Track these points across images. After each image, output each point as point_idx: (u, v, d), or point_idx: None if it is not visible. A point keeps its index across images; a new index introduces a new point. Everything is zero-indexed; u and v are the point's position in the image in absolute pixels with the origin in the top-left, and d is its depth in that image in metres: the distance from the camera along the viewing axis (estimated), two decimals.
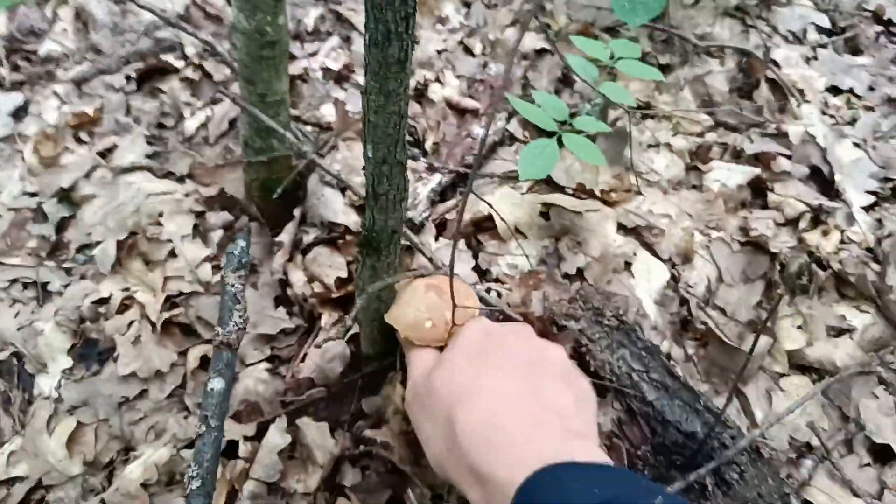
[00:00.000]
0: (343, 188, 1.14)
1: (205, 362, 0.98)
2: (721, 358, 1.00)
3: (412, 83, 1.13)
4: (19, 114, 1.27)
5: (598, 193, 1.16)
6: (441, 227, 1.12)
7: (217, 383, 0.59)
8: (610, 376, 0.92)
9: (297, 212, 1.12)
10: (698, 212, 1.17)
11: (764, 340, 0.99)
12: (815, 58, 1.45)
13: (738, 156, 1.27)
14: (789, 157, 1.25)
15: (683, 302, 1.06)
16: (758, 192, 1.22)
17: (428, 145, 1.24)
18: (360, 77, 1.38)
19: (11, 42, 1.39)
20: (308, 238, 1.09)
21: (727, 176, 1.21)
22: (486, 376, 0.62)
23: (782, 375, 0.99)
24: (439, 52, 1.43)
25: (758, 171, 1.22)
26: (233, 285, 0.67)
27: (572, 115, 1.04)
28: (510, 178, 1.20)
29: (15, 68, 1.36)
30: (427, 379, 0.66)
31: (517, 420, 0.56)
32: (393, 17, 0.52)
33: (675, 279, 1.09)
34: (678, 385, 0.92)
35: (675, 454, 0.86)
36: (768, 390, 0.97)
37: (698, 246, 1.12)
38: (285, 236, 1.09)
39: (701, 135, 1.30)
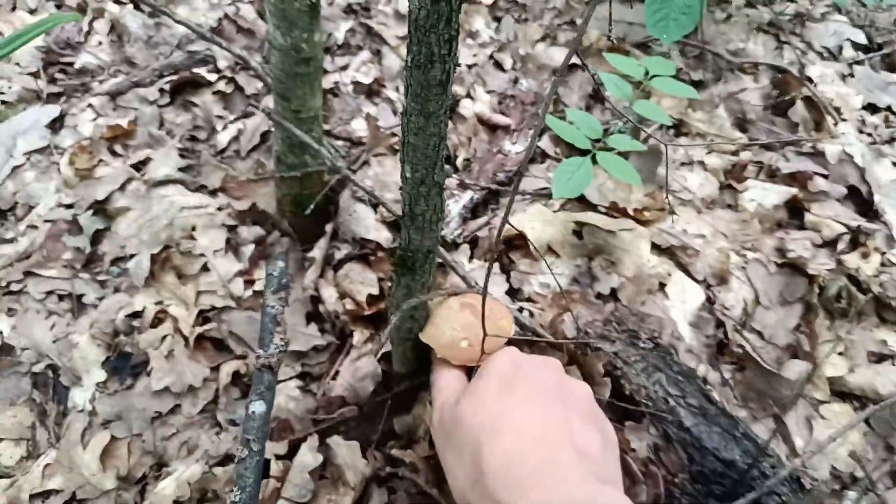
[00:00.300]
0: (375, 204, 1.14)
1: (237, 378, 0.98)
2: (759, 383, 0.98)
3: None
4: (55, 126, 1.29)
5: (631, 212, 1.15)
6: (473, 245, 1.12)
7: (258, 406, 0.59)
8: (646, 401, 0.90)
9: (328, 227, 1.12)
10: (733, 232, 1.15)
11: (804, 366, 0.97)
12: (852, 75, 1.43)
13: (773, 175, 1.25)
14: (826, 177, 1.23)
15: (719, 324, 1.04)
16: (794, 212, 1.20)
17: (459, 162, 1.23)
18: (391, 92, 1.38)
19: (48, 54, 1.41)
20: (339, 254, 1.09)
21: (763, 195, 1.20)
22: (514, 411, 0.61)
23: (822, 402, 0.96)
24: (469, 67, 1.43)
25: (794, 190, 1.20)
26: (273, 307, 0.66)
27: (605, 133, 1.03)
28: (542, 195, 1.19)
29: (52, 80, 1.38)
30: (454, 408, 0.65)
31: (545, 460, 0.55)
32: (437, 40, 0.51)
33: (710, 301, 1.07)
34: (716, 411, 0.91)
35: (714, 483, 0.84)
36: (808, 418, 0.95)
37: (734, 267, 1.10)
38: (317, 252, 1.09)
39: (735, 153, 1.28)
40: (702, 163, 1.25)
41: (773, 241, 1.15)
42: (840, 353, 1.00)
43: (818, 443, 0.90)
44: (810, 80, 1.38)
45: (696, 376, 0.94)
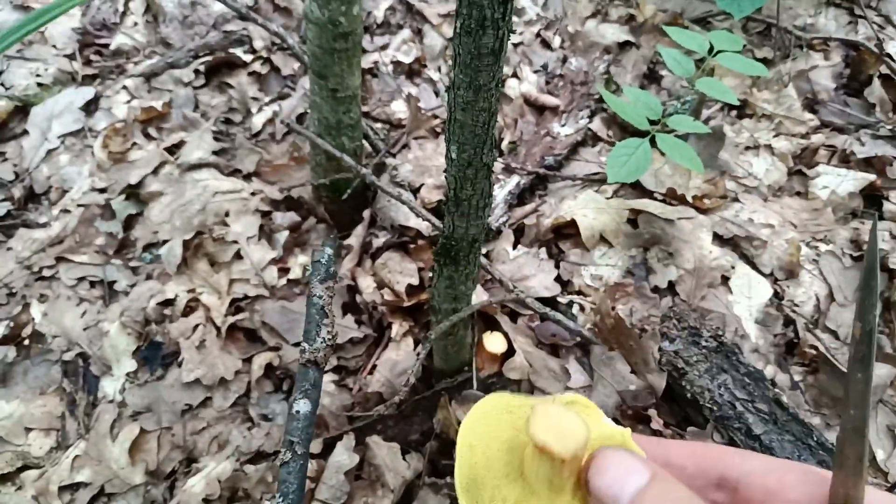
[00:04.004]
0: (415, 190, 1.08)
1: (269, 371, 0.93)
2: (833, 387, 0.89)
3: None
4: (90, 108, 1.26)
5: (690, 199, 1.07)
6: (519, 233, 1.05)
7: (303, 405, 0.53)
8: (710, 405, 0.82)
9: (366, 214, 1.06)
10: (803, 221, 1.06)
11: (885, 370, 0.88)
12: None
13: (846, 160, 1.15)
14: None
15: (788, 322, 0.96)
16: (871, 200, 1.09)
17: (505, 145, 1.16)
18: (432, 72, 1.32)
19: (85, 35, 1.38)
20: (377, 242, 1.03)
21: (836, 182, 1.09)
22: None
23: None
24: (515, 46, 1.35)
25: (871, 176, 1.09)
26: (320, 297, 0.60)
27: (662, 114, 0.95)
28: (593, 180, 1.11)
29: (87, 62, 1.35)
30: None
31: None
32: (490, 2, 0.45)
33: (778, 296, 0.98)
34: (787, 417, 0.82)
35: None
36: (890, 427, 0.86)
37: (805, 260, 1.01)
38: (354, 240, 1.03)
39: (805, 136, 1.18)
40: (769, 146, 1.15)
41: (848, 231, 1.05)
42: None
43: None
44: (889, 56, 1.26)
45: (764, 378, 0.85)
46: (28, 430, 0.90)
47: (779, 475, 0.33)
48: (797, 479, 0.32)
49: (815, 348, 0.92)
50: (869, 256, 0.30)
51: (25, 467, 0.87)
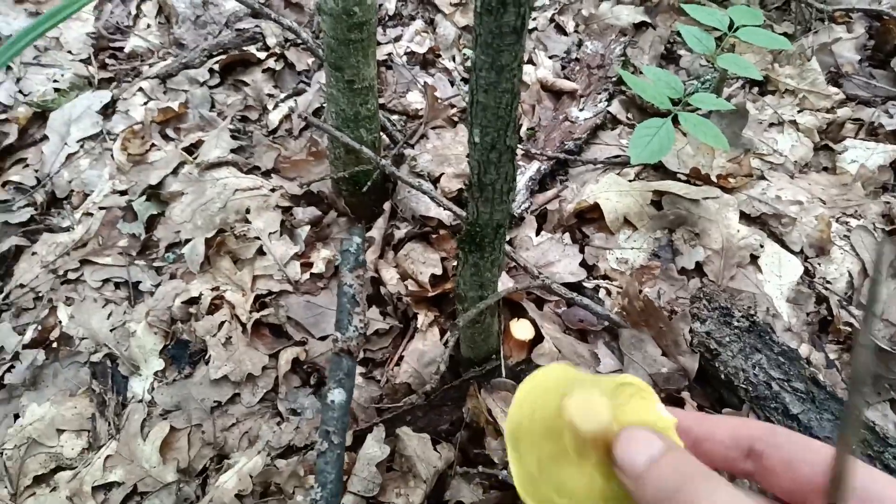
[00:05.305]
0: (435, 180, 1.07)
1: (296, 366, 0.93)
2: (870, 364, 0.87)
3: None
4: (107, 111, 1.27)
5: (714, 179, 1.05)
6: (541, 219, 1.04)
7: (338, 395, 0.53)
8: (745, 385, 0.81)
9: (386, 206, 1.06)
10: (832, 197, 1.03)
11: None
12: None
13: (874, 133, 1.12)
14: None
15: (821, 300, 0.94)
16: None
17: (523, 131, 1.15)
18: (447, 61, 1.31)
19: (99, 40, 1.38)
20: (399, 233, 1.02)
21: (865, 156, 1.07)
22: None
23: None
24: (530, 32, 1.34)
25: None
26: (351, 285, 0.60)
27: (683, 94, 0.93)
28: (615, 163, 1.09)
29: (103, 66, 1.35)
30: None
31: None
32: None
33: (809, 274, 0.96)
34: (825, 396, 0.81)
35: None
36: None
37: (836, 236, 0.99)
38: (375, 232, 1.03)
39: (831, 110, 1.15)
40: (793, 122, 1.13)
41: (879, 205, 1.02)
42: None
43: None
44: None
45: (799, 357, 0.84)
46: (60, 431, 0.91)
47: (798, 449, 0.35)
48: (815, 458, 0.34)
49: (850, 325, 0.90)
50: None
51: (59, 468, 0.88)
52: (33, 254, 1.08)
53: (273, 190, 1.11)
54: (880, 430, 0.77)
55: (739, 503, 0.32)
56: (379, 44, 1.31)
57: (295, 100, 1.27)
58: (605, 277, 0.97)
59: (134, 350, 0.96)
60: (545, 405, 0.38)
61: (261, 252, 1.03)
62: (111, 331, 0.99)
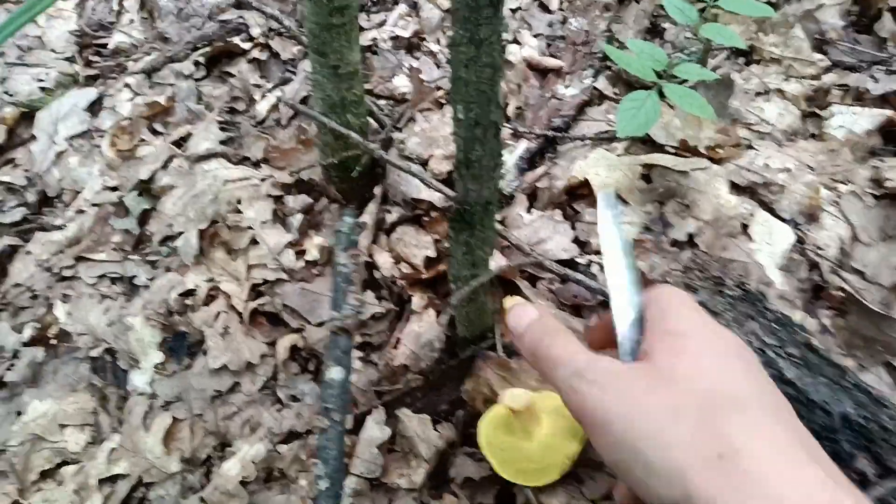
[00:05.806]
0: (424, 162, 1.07)
1: (295, 353, 0.94)
2: (865, 327, 0.88)
3: None
4: (94, 108, 1.26)
5: (703, 150, 1.05)
6: (532, 198, 1.04)
7: (336, 373, 0.54)
8: None
9: (377, 190, 1.06)
10: (821, 163, 1.04)
11: None
12: None
13: (860, 98, 1.13)
14: None
15: (813, 266, 0.94)
16: (890, 136, 1.07)
17: (510, 110, 1.15)
18: (432, 44, 1.30)
19: (83, 37, 1.38)
20: (391, 217, 1.03)
21: (852, 121, 1.07)
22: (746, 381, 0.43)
23: None
24: (514, 12, 1.34)
25: (888, 112, 1.07)
26: (345, 265, 0.60)
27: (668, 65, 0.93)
28: (603, 139, 1.10)
29: (87, 63, 1.35)
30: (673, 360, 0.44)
31: (768, 446, 0.39)
32: None
33: (800, 241, 0.97)
34: (819, 360, 0.82)
35: (824, 439, 0.75)
36: None
37: (825, 202, 0.99)
38: (367, 217, 1.03)
39: (816, 77, 1.15)
40: (779, 90, 1.13)
41: (868, 170, 1.03)
42: None
43: None
44: None
45: (793, 324, 0.84)
46: (63, 426, 0.91)
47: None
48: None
49: (843, 290, 0.91)
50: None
51: (64, 463, 0.89)
52: (28, 253, 1.08)
53: (264, 179, 1.11)
54: (876, 392, 0.78)
55: (577, 349, 0.46)
56: (363, 29, 1.30)
57: (282, 89, 1.27)
58: (597, 253, 0.98)
59: (133, 344, 0.97)
60: (497, 418, 0.68)
61: (254, 242, 1.04)
62: (109, 326, 0.99)
